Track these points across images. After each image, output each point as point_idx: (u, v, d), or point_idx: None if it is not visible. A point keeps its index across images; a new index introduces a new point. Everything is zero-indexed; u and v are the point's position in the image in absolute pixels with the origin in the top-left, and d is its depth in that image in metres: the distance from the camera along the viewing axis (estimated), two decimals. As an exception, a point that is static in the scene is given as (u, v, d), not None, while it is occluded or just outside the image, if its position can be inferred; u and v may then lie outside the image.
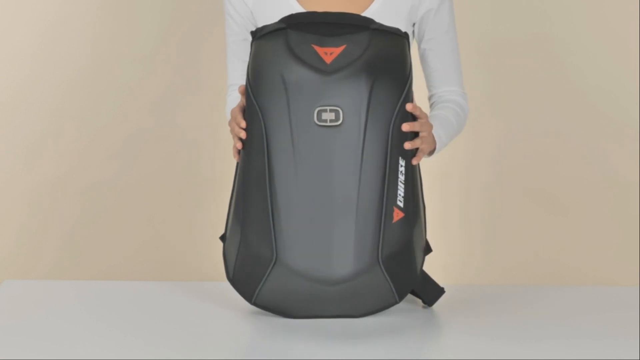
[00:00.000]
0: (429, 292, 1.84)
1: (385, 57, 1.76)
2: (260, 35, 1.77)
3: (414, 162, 1.79)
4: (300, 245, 1.70)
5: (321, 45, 1.74)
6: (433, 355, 1.63)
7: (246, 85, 1.76)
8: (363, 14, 2.00)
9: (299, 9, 1.99)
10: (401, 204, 1.74)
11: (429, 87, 2.13)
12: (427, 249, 1.85)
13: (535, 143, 3.39)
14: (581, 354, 1.58)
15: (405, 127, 1.76)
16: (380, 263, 1.71)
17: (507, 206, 3.44)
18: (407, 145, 1.76)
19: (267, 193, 1.71)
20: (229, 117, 2.06)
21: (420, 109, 1.80)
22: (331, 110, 1.72)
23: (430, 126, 1.83)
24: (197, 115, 3.34)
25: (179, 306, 1.82)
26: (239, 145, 1.79)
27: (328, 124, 1.72)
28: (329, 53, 1.74)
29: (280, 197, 1.71)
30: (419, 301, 1.88)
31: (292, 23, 1.77)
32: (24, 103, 3.32)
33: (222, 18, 2.10)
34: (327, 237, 1.71)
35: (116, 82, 3.33)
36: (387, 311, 1.79)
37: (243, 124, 1.77)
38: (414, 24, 2.06)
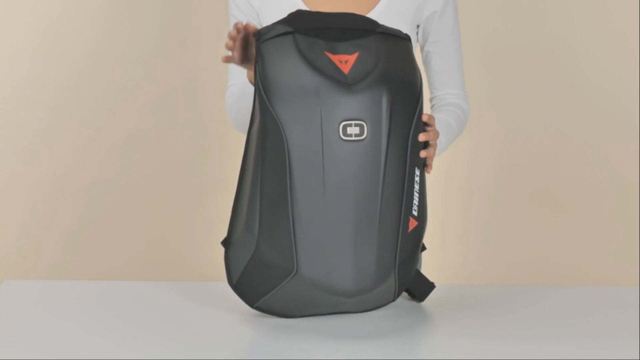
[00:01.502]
0: (420, 287, 1.85)
1: (400, 67, 1.74)
2: (266, 39, 1.71)
3: (429, 171, 1.79)
4: (323, 259, 1.68)
5: (334, 52, 1.70)
6: (433, 355, 1.63)
7: (258, 90, 1.69)
8: (368, 15, 2.00)
9: (302, 7, 2.00)
10: (416, 213, 1.74)
11: (431, 88, 2.13)
12: (423, 247, 1.85)
13: (535, 143, 3.39)
14: (581, 354, 1.58)
15: (422, 137, 1.75)
16: (396, 271, 1.72)
17: (507, 206, 3.44)
18: (423, 154, 1.76)
19: (289, 207, 1.66)
20: (230, 114, 2.06)
21: (433, 117, 1.80)
22: (356, 125, 1.68)
23: (438, 134, 1.82)
24: (197, 115, 3.35)
25: (179, 306, 1.82)
26: (231, 44, 1.75)
27: (353, 138, 1.68)
28: (344, 62, 1.70)
29: (304, 210, 1.67)
30: (417, 302, 1.88)
31: (299, 27, 1.72)
32: (24, 103, 3.32)
33: (222, 18, 2.10)
34: (350, 250, 1.69)
35: (116, 82, 3.33)
36: (384, 312, 1.79)
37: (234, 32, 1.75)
38: (417, 26, 2.06)
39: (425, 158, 1.78)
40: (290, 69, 1.68)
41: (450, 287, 1.98)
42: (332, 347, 1.61)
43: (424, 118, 1.75)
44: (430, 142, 1.79)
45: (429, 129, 1.78)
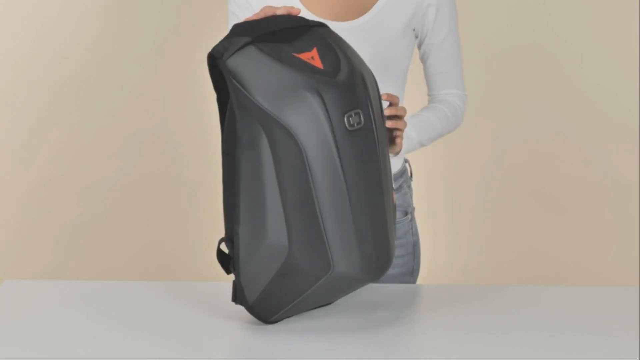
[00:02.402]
0: None
1: (352, 52, 1.75)
2: (230, 55, 1.67)
3: (399, 147, 1.90)
4: (352, 252, 1.67)
5: (298, 51, 1.69)
6: (434, 355, 1.63)
7: (245, 107, 1.65)
8: (367, 14, 2.01)
9: (302, 9, 2.00)
10: (394, 186, 1.77)
11: (428, 87, 2.13)
12: None
13: (535, 143, 3.39)
14: (581, 354, 1.58)
15: (387, 111, 1.84)
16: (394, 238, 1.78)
17: (507, 206, 3.44)
18: (390, 124, 1.85)
19: (317, 209, 1.65)
20: None
21: (396, 96, 1.87)
22: (355, 114, 1.69)
23: (404, 110, 1.89)
24: (197, 115, 3.35)
25: (179, 306, 1.82)
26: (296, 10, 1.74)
27: (355, 127, 1.69)
28: (311, 58, 1.70)
29: (329, 208, 1.65)
30: (414, 301, 1.88)
31: (253, 35, 1.68)
32: (23, 102, 3.32)
33: (222, 18, 2.10)
34: (371, 238, 1.69)
35: (116, 82, 3.33)
36: (379, 311, 1.79)
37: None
38: (414, 29, 2.06)
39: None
40: (275, 75, 1.66)
41: (451, 288, 1.98)
42: (330, 347, 1.61)
43: (384, 97, 1.81)
44: (399, 115, 1.85)
45: (397, 107, 1.84)
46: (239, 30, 1.70)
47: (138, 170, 3.36)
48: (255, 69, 1.66)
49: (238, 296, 1.69)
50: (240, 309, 1.77)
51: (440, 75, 2.10)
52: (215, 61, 1.70)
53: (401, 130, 1.87)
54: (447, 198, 3.44)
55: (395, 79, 2.04)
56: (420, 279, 2.18)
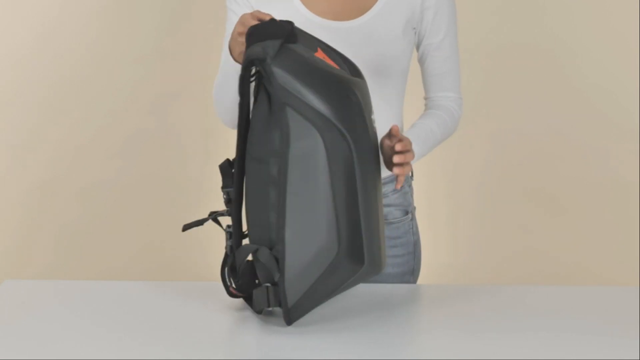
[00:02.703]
0: None
1: (338, 52, 1.80)
2: (272, 58, 1.64)
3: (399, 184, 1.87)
4: (375, 246, 1.71)
5: (315, 51, 1.72)
6: (434, 355, 1.63)
7: (307, 113, 1.63)
8: (366, 14, 2.01)
9: (302, 8, 1.99)
10: None
11: (425, 89, 2.13)
12: None
13: (535, 143, 3.39)
14: (581, 354, 1.58)
15: (399, 147, 1.79)
16: None
17: (507, 206, 3.44)
18: (397, 171, 1.82)
19: (359, 208, 1.67)
20: (217, 98, 2.01)
21: (404, 139, 1.83)
22: (373, 113, 1.75)
23: (410, 143, 1.86)
24: (197, 115, 3.35)
25: (179, 306, 1.82)
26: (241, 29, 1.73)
27: (374, 124, 1.74)
28: (324, 57, 1.73)
29: (367, 206, 1.68)
30: (414, 301, 1.88)
31: (284, 37, 1.68)
32: (23, 102, 3.32)
33: (222, 18, 2.09)
34: (383, 231, 1.75)
35: (116, 82, 3.33)
36: (379, 311, 1.79)
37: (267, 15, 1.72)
38: (413, 28, 2.06)
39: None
40: (323, 78, 1.66)
41: (450, 288, 1.98)
42: (330, 347, 1.61)
43: (393, 131, 1.79)
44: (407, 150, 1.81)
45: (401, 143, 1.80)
46: (260, 33, 1.68)
47: (138, 170, 3.36)
48: (301, 72, 1.65)
49: (273, 300, 1.66)
50: (240, 309, 1.76)
51: (438, 76, 2.10)
52: (258, 65, 1.67)
53: (407, 166, 1.83)
54: (447, 198, 3.44)
55: (395, 79, 2.04)
56: (420, 279, 2.18)
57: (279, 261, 1.64)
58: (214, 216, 1.83)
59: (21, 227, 3.35)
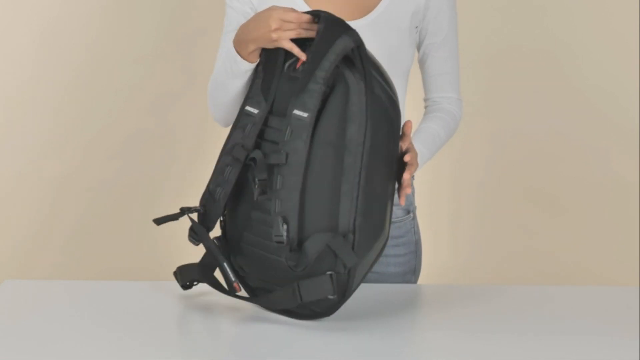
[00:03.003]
0: None
1: None
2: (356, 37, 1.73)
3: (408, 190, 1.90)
4: (388, 218, 1.76)
5: None
6: (434, 356, 1.63)
7: (384, 101, 1.73)
8: (369, 15, 2.01)
9: (304, 6, 1.99)
10: None
11: (426, 90, 2.13)
12: None
13: (535, 143, 3.39)
14: (581, 354, 1.58)
15: (407, 158, 1.83)
16: None
17: (507, 206, 3.44)
18: (407, 176, 1.86)
19: (389, 186, 1.75)
20: (212, 95, 2.12)
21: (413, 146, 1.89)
22: None
23: (416, 153, 1.90)
24: (197, 115, 3.34)
25: (179, 306, 1.82)
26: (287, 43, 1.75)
27: None
28: None
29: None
30: (415, 301, 1.88)
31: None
32: (23, 104, 3.32)
33: (223, 18, 2.09)
34: None
35: (116, 82, 3.33)
36: (379, 311, 1.79)
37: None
38: (416, 27, 2.06)
39: None
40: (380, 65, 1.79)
41: (449, 288, 1.98)
42: (330, 347, 1.61)
43: (406, 128, 1.82)
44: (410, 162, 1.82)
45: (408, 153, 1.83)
46: (336, 29, 1.74)
47: (138, 170, 3.36)
48: (375, 61, 1.77)
49: (337, 289, 1.67)
50: (240, 308, 1.76)
51: (439, 77, 2.10)
52: (356, 52, 1.73)
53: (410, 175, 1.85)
54: (447, 198, 3.44)
55: (399, 78, 2.04)
56: (421, 279, 2.18)
57: (354, 248, 1.67)
58: (186, 212, 1.84)
59: (21, 227, 3.35)
